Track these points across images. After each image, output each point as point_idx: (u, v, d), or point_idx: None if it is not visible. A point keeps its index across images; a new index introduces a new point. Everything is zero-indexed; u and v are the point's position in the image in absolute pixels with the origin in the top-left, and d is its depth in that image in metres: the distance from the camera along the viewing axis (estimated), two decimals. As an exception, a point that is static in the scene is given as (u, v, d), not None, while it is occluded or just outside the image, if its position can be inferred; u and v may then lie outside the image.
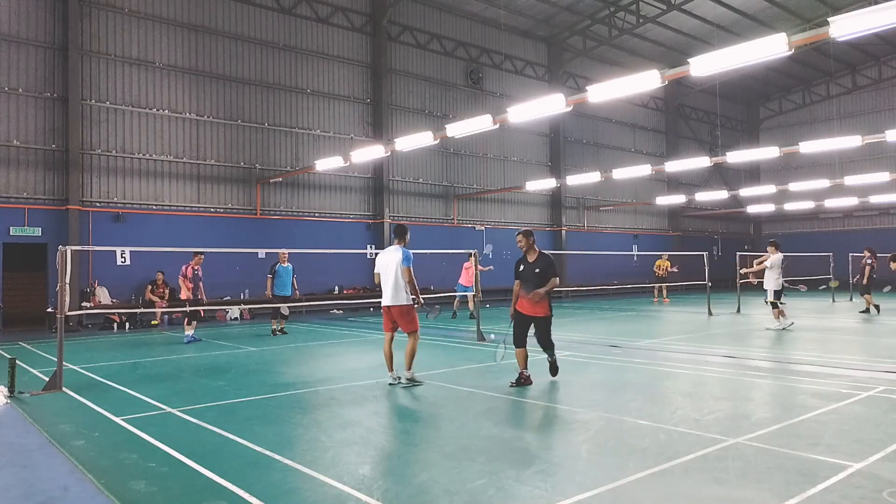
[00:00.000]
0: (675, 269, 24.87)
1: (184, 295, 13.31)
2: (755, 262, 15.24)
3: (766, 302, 14.47)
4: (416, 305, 8.19)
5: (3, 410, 6.99)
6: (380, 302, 8.34)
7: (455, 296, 19.11)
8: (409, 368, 8.15)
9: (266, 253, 19.60)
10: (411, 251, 8.29)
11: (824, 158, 35.94)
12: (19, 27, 17.24)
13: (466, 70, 26.90)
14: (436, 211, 25.93)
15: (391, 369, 8.20)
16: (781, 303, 14.00)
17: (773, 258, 14.22)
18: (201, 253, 13.62)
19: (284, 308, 14.66)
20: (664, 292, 24.88)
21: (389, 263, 8.17)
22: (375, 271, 8.47)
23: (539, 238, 7.77)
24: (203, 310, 13.92)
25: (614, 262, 31.55)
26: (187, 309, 13.26)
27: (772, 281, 14.04)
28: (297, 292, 15.21)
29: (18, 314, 17.27)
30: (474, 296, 14.17)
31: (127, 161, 18.80)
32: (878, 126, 32.91)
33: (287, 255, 14.66)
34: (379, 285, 8.40)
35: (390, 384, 8.09)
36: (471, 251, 14.68)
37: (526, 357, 7.98)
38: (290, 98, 22.10)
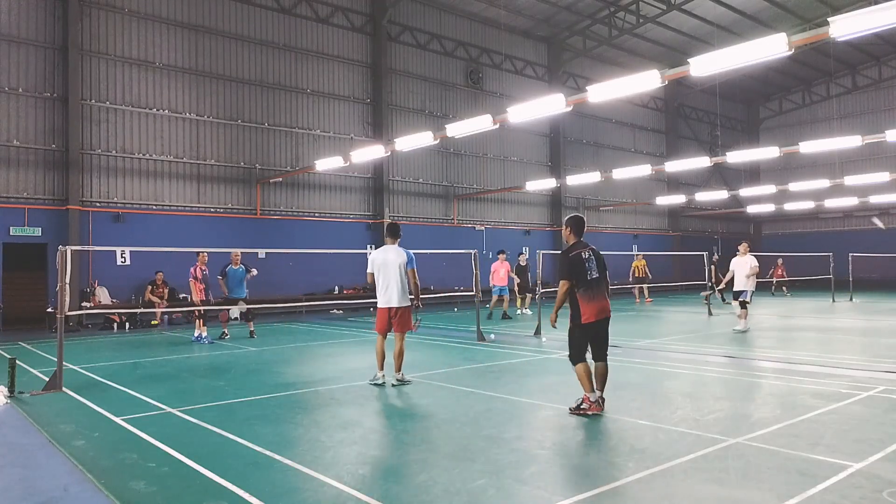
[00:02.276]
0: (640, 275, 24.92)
1: (196, 297, 13.24)
2: (746, 271, 14.22)
3: (727, 301, 14.26)
4: (416, 307, 8.21)
5: (3, 410, 6.99)
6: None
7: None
8: (400, 369, 8.11)
9: (266, 253, 19.59)
10: (411, 251, 8.27)
11: (824, 158, 35.95)
12: (19, 27, 17.23)
13: (466, 70, 26.90)
14: (436, 211, 25.94)
15: (382, 368, 8.13)
16: (729, 303, 13.68)
17: (749, 260, 13.64)
18: (202, 252, 13.57)
19: (234, 311, 14.30)
20: (646, 292, 24.88)
21: (392, 264, 8.04)
22: (370, 270, 8.16)
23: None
24: (210, 309, 13.82)
25: (614, 263, 31.48)
26: (203, 308, 13.20)
27: (753, 282, 13.60)
28: (246, 294, 14.28)
29: (18, 314, 17.26)
30: (517, 293, 14.20)
31: (127, 161, 18.80)
32: (878, 126, 32.94)
33: (239, 257, 14.00)
34: (373, 285, 8.20)
35: (380, 384, 8.03)
36: (501, 251, 14.76)
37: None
38: (290, 98, 22.10)
